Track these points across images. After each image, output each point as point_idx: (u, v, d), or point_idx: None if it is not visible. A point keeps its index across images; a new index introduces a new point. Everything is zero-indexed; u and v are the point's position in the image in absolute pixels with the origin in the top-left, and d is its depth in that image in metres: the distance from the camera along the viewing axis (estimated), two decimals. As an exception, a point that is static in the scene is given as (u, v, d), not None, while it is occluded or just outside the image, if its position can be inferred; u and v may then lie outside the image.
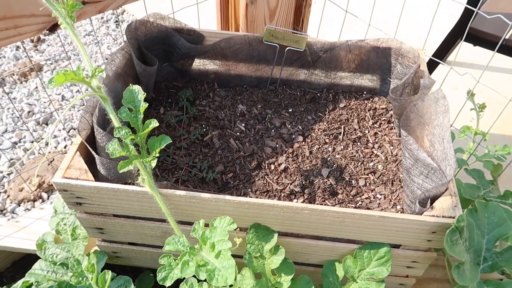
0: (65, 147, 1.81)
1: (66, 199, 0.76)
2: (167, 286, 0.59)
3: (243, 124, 1.08)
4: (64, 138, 1.85)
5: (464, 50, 1.79)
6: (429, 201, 0.73)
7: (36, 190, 1.61)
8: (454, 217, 0.70)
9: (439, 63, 1.21)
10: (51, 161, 1.72)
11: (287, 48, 1.05)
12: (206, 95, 1.14)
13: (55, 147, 1.81)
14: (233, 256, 0.86)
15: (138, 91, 0.67)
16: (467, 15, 1.41)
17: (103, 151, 0.77)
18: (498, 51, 1.08)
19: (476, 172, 1.07)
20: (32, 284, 1.04)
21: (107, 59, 1.82)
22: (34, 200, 1.60)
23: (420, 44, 1.13)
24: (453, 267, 0.70)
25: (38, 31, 0.88)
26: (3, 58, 2.21)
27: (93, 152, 0.75)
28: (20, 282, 1.01)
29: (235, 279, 0.83)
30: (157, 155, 0.66)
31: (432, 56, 1.50)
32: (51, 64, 2.20)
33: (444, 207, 0.72)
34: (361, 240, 0.81)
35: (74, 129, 1.88)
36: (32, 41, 2.34)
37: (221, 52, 1.09)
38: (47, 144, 1.82)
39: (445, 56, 1.49)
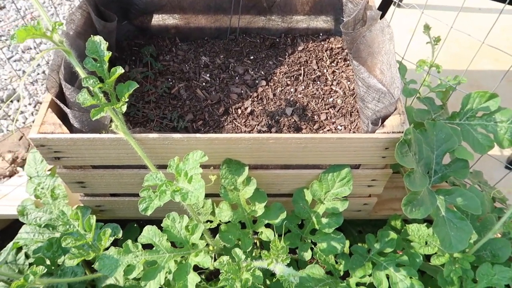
0: (33, 122, 1.80)
1: (45, 154, 0.80)
2: (148, 215, 0.65)
3: (208, 75, 1.12)
4: (32, 113, 1.84)
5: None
6: (380, 120, 0.81)
7: (10, 165, 1.62)
8: (402, 132, 0.79)
9: (392, 2, 1.27)
10: (21, 137, 1.71)
11: (242, -5, 1.08)
12: (169, 50, 1.17)
13: (23, 123, 1.80)
14: (210, 195, 0.93)
15: (100, 41, 0.70)
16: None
17: (74, 105, 0.80)
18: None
19: (427, 99, 1.16)
20: (22, 247, 1.09)
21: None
22: (10, 176, 1.61)
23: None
24: (404, 176, 0.79)
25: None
26: (-47, 38, 2.12)
27: (64, 107, 0.79)
28: (10, 245, 1.06)
29: (213, 211, 0.90)
30: (127, 100, 0.70)
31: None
32: (6, 40, 2.13)
33: (394, 124, 0.80)
34: (324, 165, 0.89)
35: (40, 103, 1.86)
36: (-18, 18, 2.24)
37: (178, 5, 1.11)
38: (14, 120, 1.80)
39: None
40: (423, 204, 0.84)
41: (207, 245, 0.85)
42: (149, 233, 0.76)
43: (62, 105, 0.79)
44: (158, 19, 1.14)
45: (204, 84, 1.09)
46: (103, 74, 0.70)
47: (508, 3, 1.02)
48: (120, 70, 0.69)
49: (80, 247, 0.76)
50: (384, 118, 0.81)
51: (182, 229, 0.77)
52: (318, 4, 1.11)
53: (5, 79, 1.94)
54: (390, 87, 0.83)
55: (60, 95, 0.82)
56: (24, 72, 1.98)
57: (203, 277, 0.90)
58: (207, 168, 0.88)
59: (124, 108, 0.70)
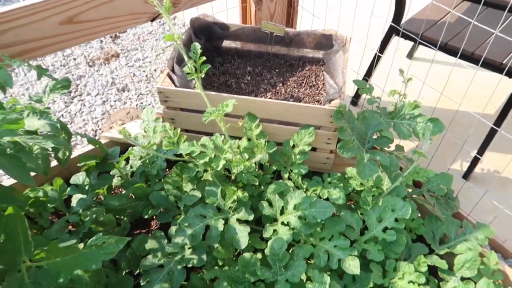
0: (136, 105, 2.70)
1: (160, 98, 1.61)
2: (206, 122, 1.42)
3: (249, 77, 1.91)
4: (135, 100, 2.74)
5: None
6: (329, 101, 1.53)
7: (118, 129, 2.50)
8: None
9: (379, 55, 1.99)
10: (128, 112, 2.61)
11: (274, 34, 1.87)
12: (229, 61, 1.98)
13: (129, 105, 2.70)
14: (236, 137, 1.68)
15: (196, 44, 1.51)
16: (396, 19, 2.19)
17: (178, 75, 1.62)
18: (421, 44, 1.87)
19: (382, 108, 1.85)
20: (129, 161, 1.90)
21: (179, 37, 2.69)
22: (118, 135, 2.48)
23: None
24: (338, 130, 1.49)
25: (145, 21, 1.75)
26: (92, 48, 3.16)
27: (173, 75, 1.60)
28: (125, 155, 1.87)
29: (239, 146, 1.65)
30: (204, 72, 1.50)
31: (379, 52, 2.27)
32: (125, 52, 3.12)
33: (336, 103, 1.52)
34: (301, 123, 1.61)
35: (142, 94, 2.77)
36: (111, 37, 3.28)
37: (238, 36, 1.93)
38: (124, 103, 2.71)
39: (386, 46, 2.26)
40: (352, 150, 1.53)
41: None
42: (204, 139, 1.53)
43: (172, 74, 1.61)
44: (226, 43, 1.97)
45: (246, 81, 1.88)
46: (196, 58, 1.51)
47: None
48: (203, 58, 1.50)
49: (170, 142, 1.55)
50: (331, 100, 1.54)
51: (220, 141, 1.53)
52: (319, 43, 1.88)
53: (121, 77, 2.89)
54: (340, 85, 1.56)
55: (172, 70, 1.65)
56: (134, 74, 2.92)
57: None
58: (238, 118, 1.64)
59: (202, 76, 1.50)
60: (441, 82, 2.67)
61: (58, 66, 2.97)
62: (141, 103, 2.71)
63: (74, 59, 3.05)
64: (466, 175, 2.20)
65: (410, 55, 3.04)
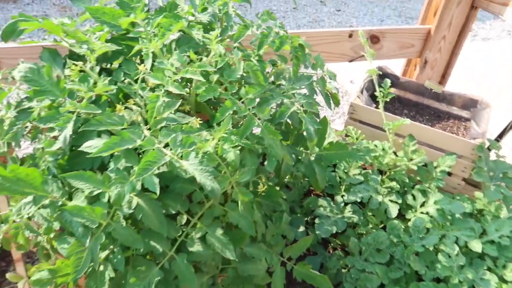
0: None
1: (349, 110, 2.35)
2: (385, 129, 2.09)
3: (405, 117, 2.58)
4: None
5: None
6: (473, 139, 2.13)
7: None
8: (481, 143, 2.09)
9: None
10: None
11: (433, 90, 2.55)
12: (391, 103, 2.69)
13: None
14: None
15: (388, 80, 2.25)
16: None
17: (364, 98, 2.35)
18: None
19: (508, 162, 2.37)
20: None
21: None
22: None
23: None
24: (477, 159, 2.07)
25: (346, 60, 2.55)
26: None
27: (361, 96, 2.34)
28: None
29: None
30: (388, 98, 2.21)
31: None
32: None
33: (478, 141, 2.11)
34: (446, 150, 2.21)
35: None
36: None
37: (404, 87, 2.65)
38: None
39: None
40: (483, 177, 2.08)
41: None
42: (376, 142, 2.21)
43: (361, 96, 2.35)
44: (392, 90, 2.70)
45: (403, 118, 2.56)
46: (385, 88, 2.23)
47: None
48: (391, 89, 2.22)
49: (352, 138, 2.25)
50: (474, 139, 2.14)
51: (386, 146, 2.19)
52: (465, 104, 2.51)
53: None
54: (483, 130, 2.16)
55: (361, 93, 2.39)
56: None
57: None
58: (399, 137, 2.30)
59: (387, 99, 2.21)
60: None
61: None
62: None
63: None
64: None
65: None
